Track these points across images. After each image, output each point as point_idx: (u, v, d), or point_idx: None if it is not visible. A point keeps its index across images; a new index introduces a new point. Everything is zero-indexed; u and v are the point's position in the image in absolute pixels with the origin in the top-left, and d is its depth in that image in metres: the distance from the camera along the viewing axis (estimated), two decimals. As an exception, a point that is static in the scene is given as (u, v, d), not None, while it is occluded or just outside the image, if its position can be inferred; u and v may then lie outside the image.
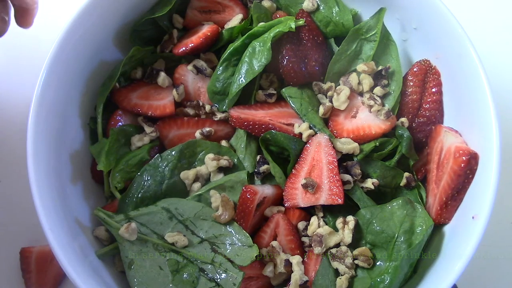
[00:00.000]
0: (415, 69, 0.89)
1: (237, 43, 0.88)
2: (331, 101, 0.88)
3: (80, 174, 0.88)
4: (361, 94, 0.90)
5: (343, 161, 0.86)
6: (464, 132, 0.82)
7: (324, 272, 0.81)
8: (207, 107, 0.90)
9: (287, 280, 0.83)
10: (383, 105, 0.87)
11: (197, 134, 0.89)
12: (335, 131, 0.87)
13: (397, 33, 0.91)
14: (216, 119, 0.89)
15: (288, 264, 0.81)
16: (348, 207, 0.84)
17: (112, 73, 0.90)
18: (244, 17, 0.94)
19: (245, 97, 0.89)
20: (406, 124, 0.88)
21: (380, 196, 0.86)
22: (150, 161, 0.86)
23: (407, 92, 0.89)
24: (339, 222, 0.83)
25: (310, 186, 0.81)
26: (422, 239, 0.78)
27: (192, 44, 0.90)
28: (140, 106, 0.90)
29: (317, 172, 0.83)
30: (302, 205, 0.83)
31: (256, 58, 0.85)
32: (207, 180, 0.87)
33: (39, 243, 0.97)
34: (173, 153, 0.86)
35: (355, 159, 0.85)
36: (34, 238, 0.98)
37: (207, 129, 0.88)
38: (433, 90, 0.87)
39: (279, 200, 0.86)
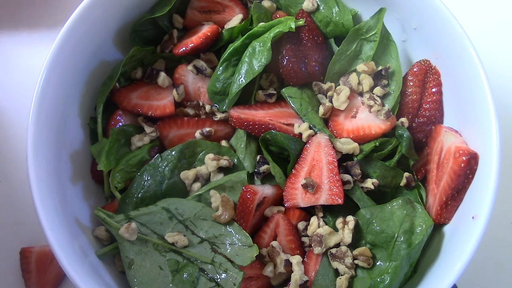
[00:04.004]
0: (415, 69, 0.89)
1: (237, 43, 0.88)
2: (331, 101, 0.88)
3: (80, 174, 0.88)
4: (361, 94, 0.90)
5: (343, 161, 0.86)
6: (464, 132, 0.82)
7: (324, 272, 0.81)
8: (207, 107, 0.90)
9: (287, 280, 0.83)
10: (383, 105, 0.87)
11: (197, 134, 0.89)
12: (335, 131, 0.87)
13: (397, 33, 0.91)
14: (216, 119, 0.89)
15: (288, 264, 0.81)
16: (348, 207, 0.84)
17: (112, 73, 0.90)
18: (244, 17, 0.94)
19: (245, 97, 0.89)
20: (406, 124, 0.88)
21: (380, 196, 0.86)
22: (150, 161, 0.86)
23: (407, 92, 0.89)
24: (339, 222, 0.83)
25: (310, 186, 0.81)
26: (422, 239, 0.78)
27: (192, 44, 0.90)
28: (140, 106, 0.90)
29: (317, 172, 0.83)
30: (302, 205, 0.83)
31: (256, 58, 0.85)
32: (207, 180, 0.87)
33: (39, 243, 0.97)
34: (173, 153, 0.86)
35: (355, 159, 0.85)
36: (34, 238, 0.98)
37: (207, 129, 0.89)
38: (433, 90, 0.87)
39: (279, 200, 0.86)
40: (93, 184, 0.91)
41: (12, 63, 1.12)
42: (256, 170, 0.86)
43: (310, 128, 0.86)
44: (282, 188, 0.85)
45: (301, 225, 0.85)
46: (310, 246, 0.83)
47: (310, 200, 0.82)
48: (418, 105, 0.88)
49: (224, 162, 0.86)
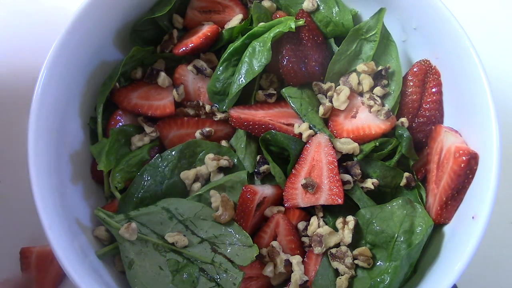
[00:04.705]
0: (415, 69, 0.89)
1: (237, 43, 0.88)
2: (331, 101, 0.88)
3: (80, 174, 0.88)
4: (361, 94, 0.90)
5: (343, 161, 0.86)
6: (464, 132, 0.82)
7: (324, 272, 0.81)
8: (207, 107, 0.90)
9: (287, 280, 0.83)
10: (383, 105, 0.87)
11: (197, 134, 0.89)
12: (335, 131, 0.87)
13: (397, 33, 0.91)
14: (216, 119, 0.89)
15: (288, 264, 0.81)
16: (348, 207, 0.84)
17: (112, 73, 0.90)
18: (244, 17, 0.94)
19: (245, 97, 0.89)
20: (406, 124, 0.88)
21: (380, 196, 0.86)
22: (150, 161, 0.86)
23: (407, 92, 0.89)
24: (339, 222, 0.83)
25: (310, 186, 0.81)
26: (422, 239, 0.78)
27: (192, 44, 0.90)
28: (140, 106, 0.90)
29: (317, 172, 0.83)
30: (302, 205, 0.83)
31: (256, 58, 0.85)
32: (207, 180, 0.87)
33: (39, 243, 0.97)
34: (173, 153, 0.86)
35: (355, 159, 0.85)
36: (34, 238, 0.98)
37: (207, 129, 0.89)
38: (433, 90, 0.87)
39: (279, 200, 0.86)
40: (93, 184, 0.91)
41: (12, 63, 1.12)
42: (256, 170, 0.86)
43: (310, 128, 0.86)
44: (282, 188, 0.85)
45: (301, 225, 0.85)
46: (310, 246, 0.83)
47: (310, 200, 0.82)
48: (418, 105, 0.88)
49: (224, 162, 0.86)
